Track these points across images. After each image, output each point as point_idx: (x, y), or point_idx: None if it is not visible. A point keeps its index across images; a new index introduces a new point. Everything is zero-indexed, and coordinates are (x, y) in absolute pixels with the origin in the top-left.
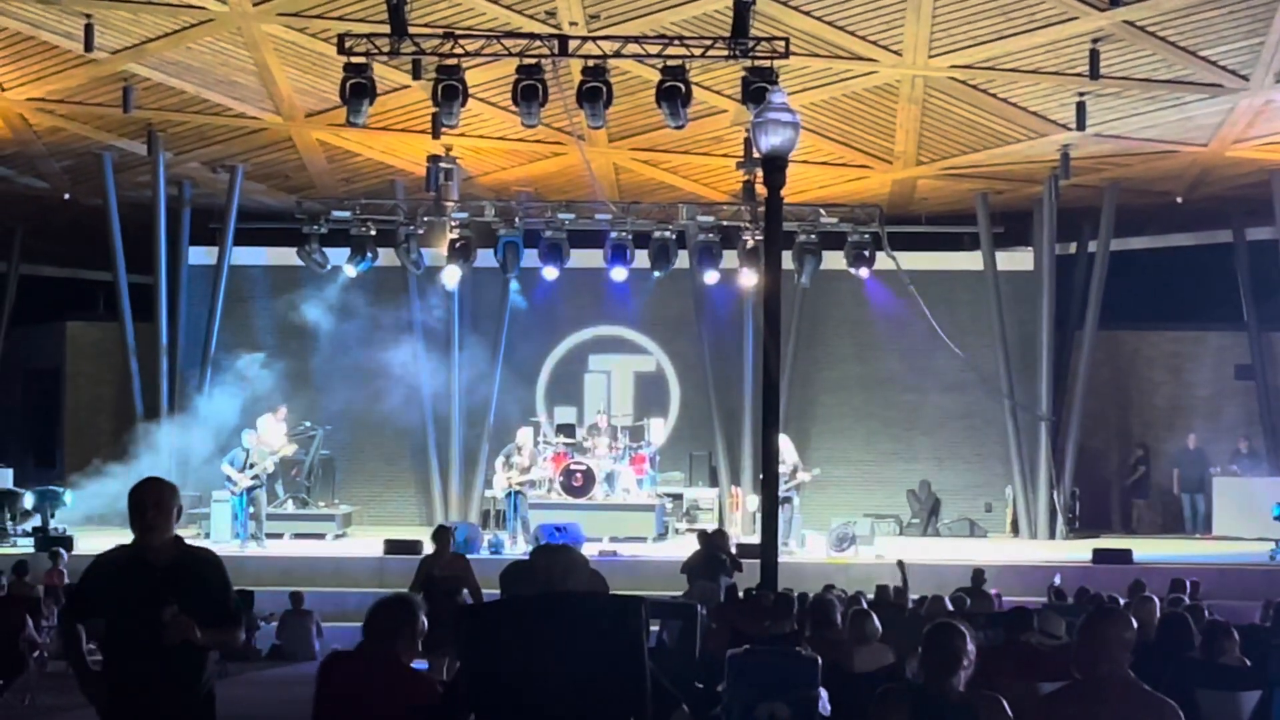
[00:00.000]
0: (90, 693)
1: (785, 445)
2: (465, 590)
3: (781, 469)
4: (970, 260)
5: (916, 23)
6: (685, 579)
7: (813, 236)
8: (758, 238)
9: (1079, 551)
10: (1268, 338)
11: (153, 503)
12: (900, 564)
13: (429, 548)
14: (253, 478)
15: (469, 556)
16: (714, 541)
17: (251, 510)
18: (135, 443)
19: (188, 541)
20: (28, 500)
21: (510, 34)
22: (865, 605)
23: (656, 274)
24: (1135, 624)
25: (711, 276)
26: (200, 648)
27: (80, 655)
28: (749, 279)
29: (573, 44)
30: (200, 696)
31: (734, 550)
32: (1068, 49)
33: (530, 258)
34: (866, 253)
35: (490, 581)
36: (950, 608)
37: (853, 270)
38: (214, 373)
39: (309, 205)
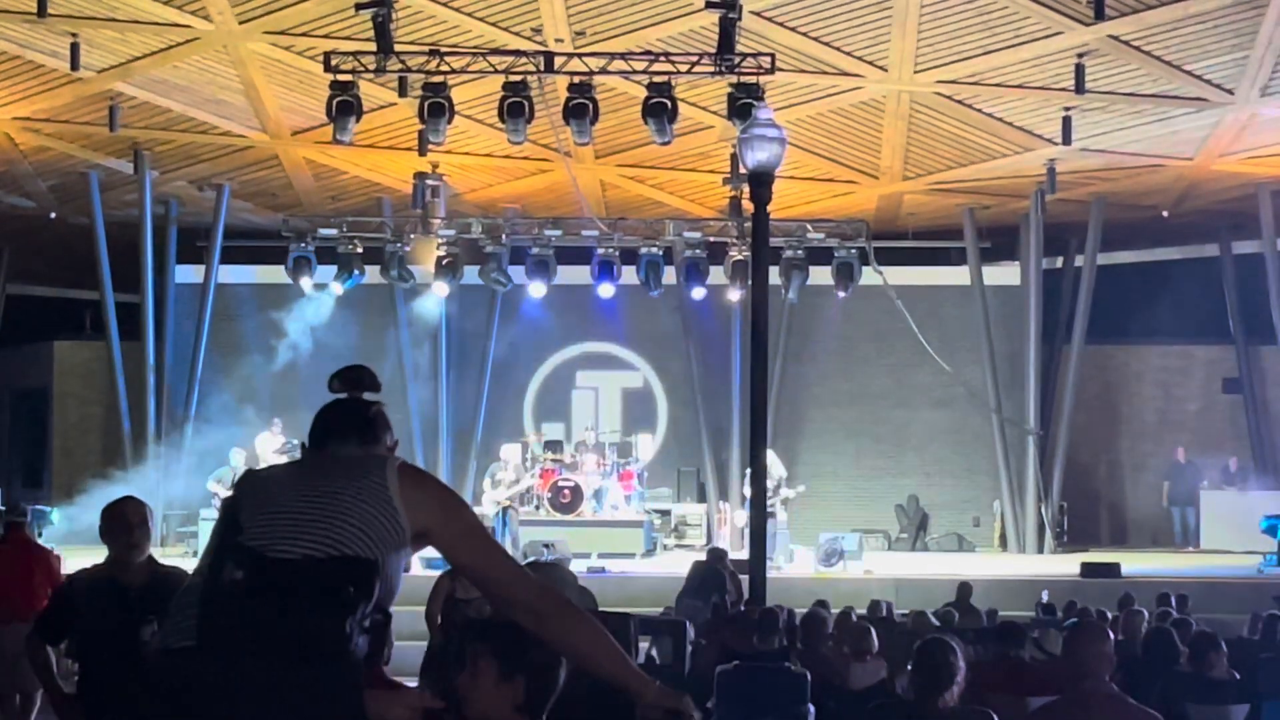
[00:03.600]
0: (66, 717)
1: (771, 459)
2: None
3: (767, 483)
4: (957, 275)
5: (902, 38)
6: (674, 596)
7: (800, 252)
8: (744, 253)
9: (1067, 565)
10: (1255, 351)
11: (138, 522)
12: None
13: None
14: None
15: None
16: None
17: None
18: (123, 462)
19: (162, 561)
20: None
21: (496, 51)
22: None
23: (654, 293)
24: (1115, 637)
25: (699, 292)
26: None
27: (52, 678)
28: (736, 295)
29: (559, 60)
30: None
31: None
32: (1053, 64)
33: (517, 274)
34: (852, 268)
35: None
36: (936, 623)
37: (836, 289)
38: (201, 391)
39: (295, 223)
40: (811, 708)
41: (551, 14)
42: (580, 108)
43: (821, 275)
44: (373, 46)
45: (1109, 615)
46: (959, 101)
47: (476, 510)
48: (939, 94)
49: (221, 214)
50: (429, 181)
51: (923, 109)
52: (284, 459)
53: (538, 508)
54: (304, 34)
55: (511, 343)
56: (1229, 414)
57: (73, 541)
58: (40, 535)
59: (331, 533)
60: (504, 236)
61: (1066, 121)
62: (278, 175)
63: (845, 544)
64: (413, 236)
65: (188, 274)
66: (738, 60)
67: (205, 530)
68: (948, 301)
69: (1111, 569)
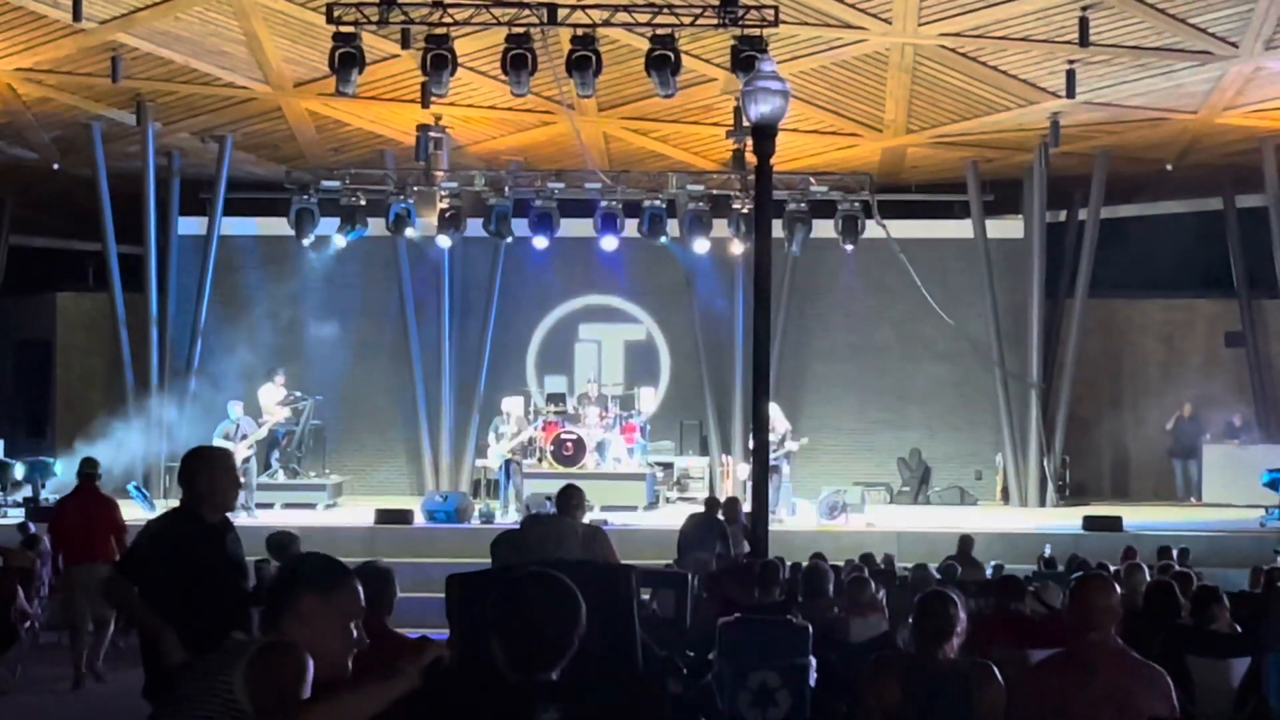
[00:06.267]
0: (168, 646)
1: (775, 413)
2: None
3: (771, 437)
4: (960, 228)
5: None
6: (676, 548)
7: (803, 205)
8: (748, 206)
9: (1069, 519)
10: (1258, 305)
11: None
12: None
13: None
14: (248, 448)
15: (457, 527)
16: (725, 511)
17: (243, 480)
18: (126, 414)
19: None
20: (18, 471)
21: (499, 3)
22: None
23: (662, 240)
24: (1121, 590)
25: (702, 245)
26: None
27: (145, 609)
28: (739, 248)
29: (562, 13)
30: None
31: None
32: (1057, 16)
33: (520, 227)
34: (856, 221)
35: (481, 551)
36: (937, 576)
37: (842, 244)
38: (204, 343)
39: (298, 175)
40: (812, 660)
41: None
42: (583, 60)
43: (824, 228)
44: None
45: (1110, 568)
46: (963, 54)
47: (481, 464)
48: (943, 47)
49: (224, 166)
50: (432, 134)
51: (926, 62)
52: (286, 411)
53: (540, 460)
54: None
55: (514, 295)
56: (1231, 368)
57: None
58: (44, 486)
59: None
60: (507, 189)
61: (1070, 74)
62: (280, 127)
63: (847, 497)
64: (416, 189)
65: (190, 226)
66: (741, 13)
67: None
68: (951, 255)
69: (1113, 523)
